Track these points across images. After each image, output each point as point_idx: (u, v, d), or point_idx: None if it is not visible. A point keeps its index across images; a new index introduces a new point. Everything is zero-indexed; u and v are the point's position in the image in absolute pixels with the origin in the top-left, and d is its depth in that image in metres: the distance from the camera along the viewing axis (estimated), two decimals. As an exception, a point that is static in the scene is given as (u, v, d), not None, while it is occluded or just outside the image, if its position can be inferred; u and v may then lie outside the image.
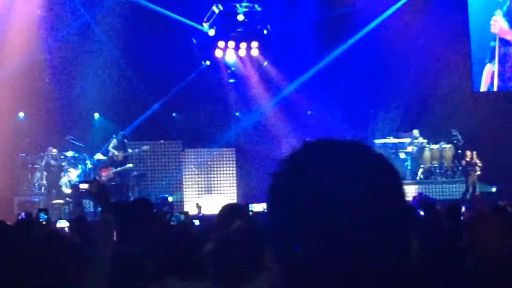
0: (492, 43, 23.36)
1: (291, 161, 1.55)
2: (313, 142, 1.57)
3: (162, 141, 22.23)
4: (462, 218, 9.03)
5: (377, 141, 21.97)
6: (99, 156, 21.13)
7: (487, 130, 21.66)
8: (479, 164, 20.64)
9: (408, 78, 22.40)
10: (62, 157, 20.66)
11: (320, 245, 1.42)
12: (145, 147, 21.13)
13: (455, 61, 23.04)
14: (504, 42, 23.36)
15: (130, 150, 20.82)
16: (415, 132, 22.24)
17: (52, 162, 20.38)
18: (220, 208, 8.89)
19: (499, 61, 23.37)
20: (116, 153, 20.48)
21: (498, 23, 23.29)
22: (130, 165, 20.78)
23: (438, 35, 22.60)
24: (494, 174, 20.63)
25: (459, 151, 21.76)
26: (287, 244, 1.45)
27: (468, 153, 20.85)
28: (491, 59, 23.40)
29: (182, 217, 10.50)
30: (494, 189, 20.71)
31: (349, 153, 1.53)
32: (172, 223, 9.36)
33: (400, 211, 1.47)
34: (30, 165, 20.63)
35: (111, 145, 20.67)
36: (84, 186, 17.70)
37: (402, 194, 1.50)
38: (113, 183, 19.66)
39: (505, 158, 20.97)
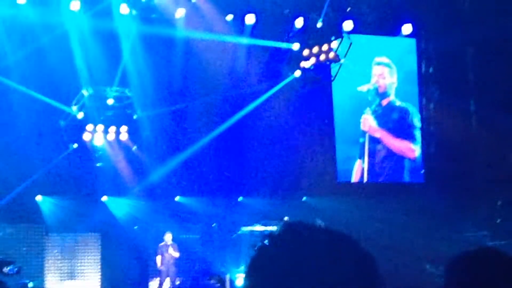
0: (361, 139, 24.14)
1: (272, 239, 1.63)
2: (294, 224, 1.66)
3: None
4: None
5: (244, 228, 22.06)
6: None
7: (351, 219, 22.21)
8: None
9: (275, 166, 22.86)
10: None
11: None
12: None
13: (322, 152, 23.70)
14: (373, 139, 24.20)
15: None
16: (286, 219, 22.49)
17: None
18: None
19: (369, 157, 24.13)
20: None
21: (368, 121, 24.16)
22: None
23: (304, 126, 23.28)
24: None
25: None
26: None
27: None
28: (361, 156, 24.14)
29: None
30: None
31: (327, 239, 1.61)
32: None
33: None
34: None
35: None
36: None
37: (378, 283, 1.56)
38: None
39: (366, 246, 21.48)
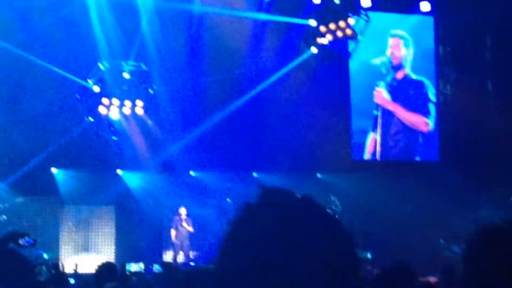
0: (374, 112, 24.19)
1: (248, 208, 1.61)
2: (269, 192, 1.63)
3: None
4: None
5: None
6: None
7: (364, 197, 22.25)
8: None
9: (290, 142, 22.87)
10: None
11: None
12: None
13: (336, 128, 23.72)
14: (386, 112, 24.24)
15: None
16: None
17: None
18: (96, 267, 8.77)
19: (382, 130, 24.18)
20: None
21: (381, 94, 24.19)
22: (4, 217, 20.28)
23: (320, 102, 23.24)
24: (369, 240, 20.96)
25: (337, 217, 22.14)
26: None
27: None
28: (374, 128, 24.19)
29: (44, 268, 10.23)
30: (369, 255, 21.05)
31: (302, 206, 1.59)
32: (40, 278, 9.09)
33: (350, 265, 1.54)
34: None
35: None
36: None
37: (351, 249, 1.57)
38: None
39: (379, 225, 21.58)
